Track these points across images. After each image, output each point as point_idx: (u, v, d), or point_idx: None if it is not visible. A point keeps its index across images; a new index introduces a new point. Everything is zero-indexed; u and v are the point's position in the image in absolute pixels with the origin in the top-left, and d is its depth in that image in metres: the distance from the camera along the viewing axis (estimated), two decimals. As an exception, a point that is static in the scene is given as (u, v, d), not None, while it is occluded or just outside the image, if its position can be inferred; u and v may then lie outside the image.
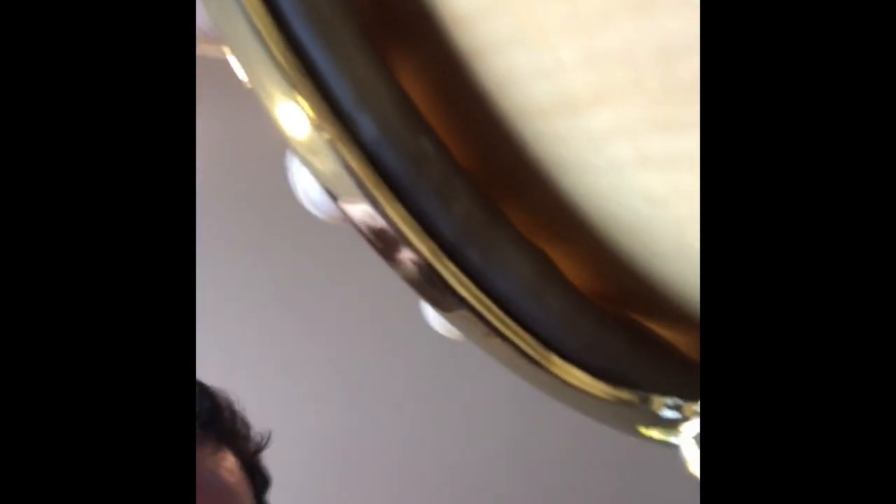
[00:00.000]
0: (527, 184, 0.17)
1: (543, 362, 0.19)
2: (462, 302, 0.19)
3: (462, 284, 0.18)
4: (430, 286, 0.18)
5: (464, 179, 0.18)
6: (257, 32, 0.16)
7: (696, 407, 0.19)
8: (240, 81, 0.19)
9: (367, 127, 0.16)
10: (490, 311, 0.19)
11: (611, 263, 0.20)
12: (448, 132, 0.17)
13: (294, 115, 0.16)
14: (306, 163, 0.18)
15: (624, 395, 0.20)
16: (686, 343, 0.23)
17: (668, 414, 0.19)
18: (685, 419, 0.19)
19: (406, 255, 0.18)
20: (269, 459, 0.55)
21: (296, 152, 0.17)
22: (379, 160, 0.17)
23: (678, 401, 0.19)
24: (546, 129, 0.16)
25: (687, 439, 0.20)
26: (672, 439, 0.21)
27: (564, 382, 0.20)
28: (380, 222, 0.18)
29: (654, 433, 0.22)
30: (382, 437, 1.14)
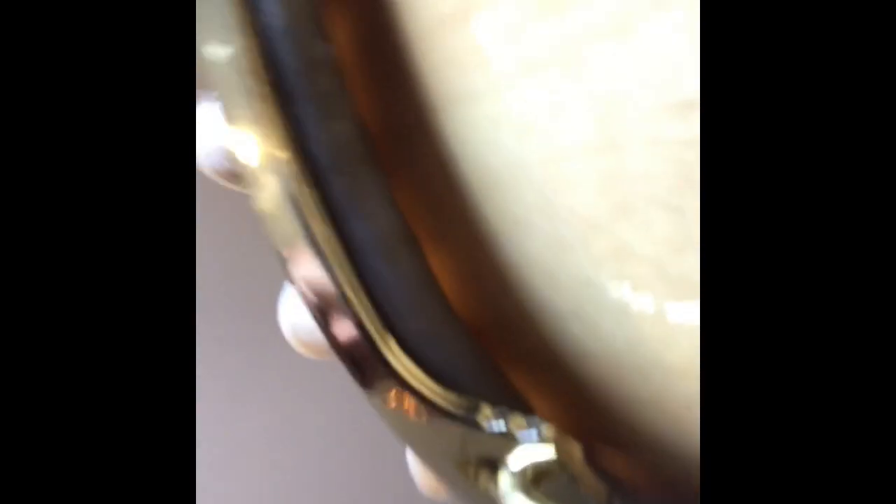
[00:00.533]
0: (409, 124, 0.17)
1: (379, 343, 0.17)
2: (308, 236, 0.17)
3: (316, 215, 0.17)
4: (286, 203, 0.17)
5: (351, 106, 0.17)
6: None
7: (523, 422, 0.17)
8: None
9: (272, 9, 0.16)
10: (336, 256, 0.17)
11: (480, 259, 0.18)
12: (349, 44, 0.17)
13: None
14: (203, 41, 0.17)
15: (452, 398, 0.17)
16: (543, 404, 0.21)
17: (495, 427, 0.17)
18: (511, 440, 0.17)
19: (267, 172, 0.17)
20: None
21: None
22: (274, 51, 0.16)
23: (507, 411, 0.17)
24: (441, 45, 0.15)
25: (508, 483, 0.18)
26: (494, 486, 0.19)
27: (394, 372, 0.18)
28: (248, 122, 0.17)
29: (476, 471, 0.19)
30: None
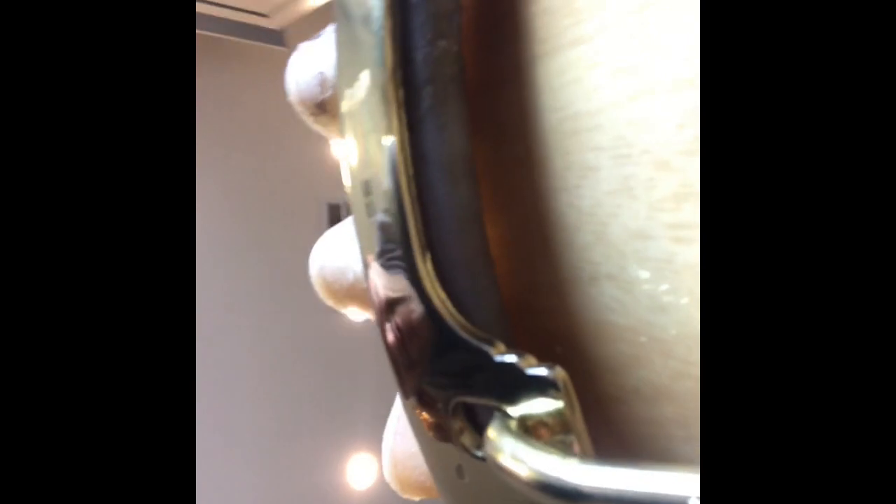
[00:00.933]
0: (504, 70, 0.18)
1: (417, 255, 0.17)
2: (388, 138, 0.18)
3: (397, 120, 0.17)
4: (374, 104, 0.18)
5: (458, 37, 0.18)
6: None
7: (535, 361, 0.16)
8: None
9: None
10: (405, 162, 0.17)
11: (531, 213, 0.18)
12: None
13: None
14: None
15: (469, 326, 0.17)
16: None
17: (507, 358, 0.16)
18: (518, 378, 0.16)
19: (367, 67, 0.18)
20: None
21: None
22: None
23: (522, 352, 0.16)
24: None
25: (500, 427, 0.16)
26: (481, 449, 0.18)
27: (423, 290, 0.17)
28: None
29: (462, 425, 0.18)
30: None
